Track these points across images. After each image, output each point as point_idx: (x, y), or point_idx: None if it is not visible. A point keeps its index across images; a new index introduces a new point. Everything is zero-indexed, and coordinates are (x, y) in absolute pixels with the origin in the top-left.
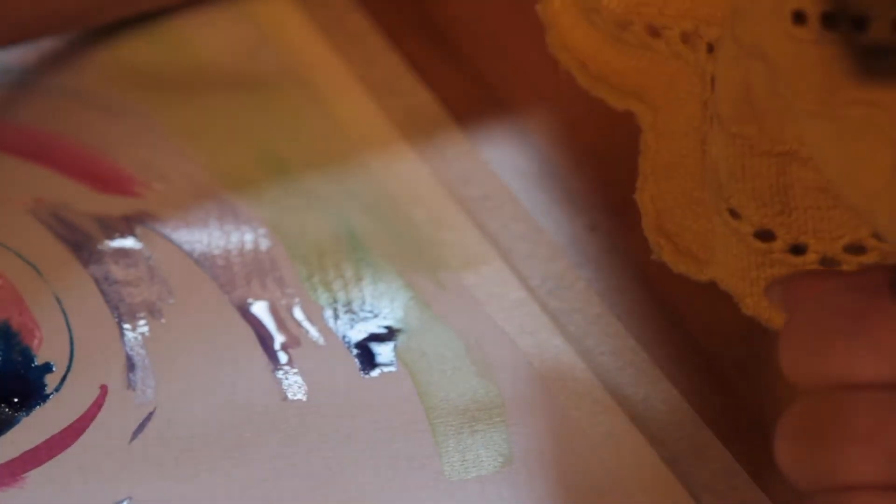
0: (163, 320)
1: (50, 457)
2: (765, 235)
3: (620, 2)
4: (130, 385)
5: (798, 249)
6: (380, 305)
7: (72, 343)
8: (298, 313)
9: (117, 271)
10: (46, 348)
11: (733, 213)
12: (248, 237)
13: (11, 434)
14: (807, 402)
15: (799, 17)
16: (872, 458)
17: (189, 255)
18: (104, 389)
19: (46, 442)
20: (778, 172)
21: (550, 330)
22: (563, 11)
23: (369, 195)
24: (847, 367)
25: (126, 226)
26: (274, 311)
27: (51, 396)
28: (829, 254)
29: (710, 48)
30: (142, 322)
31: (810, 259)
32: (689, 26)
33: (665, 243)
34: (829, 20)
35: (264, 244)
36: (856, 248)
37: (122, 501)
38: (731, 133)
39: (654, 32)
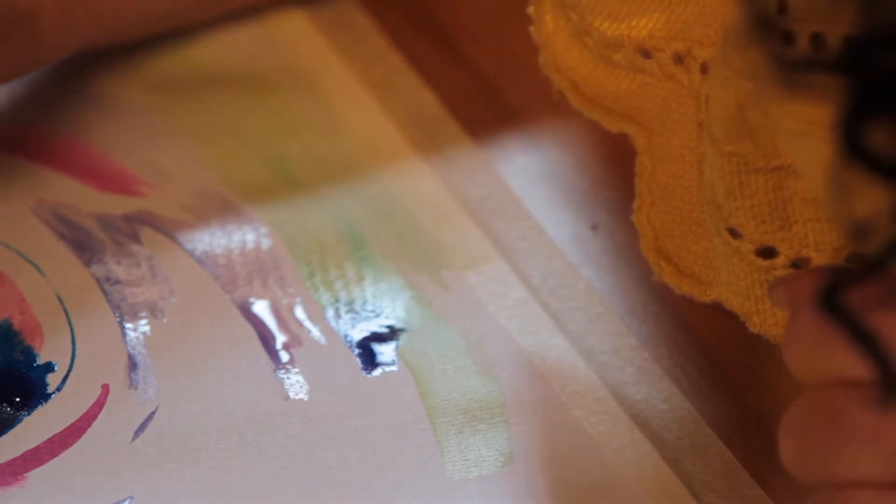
0: (164, 320)
1: (52, 456)
2: (766, 252)
3: (611, 24)
4: (132, 384)
5: (800, 264)
6: (381, 305)
7: (74, 342)
8: (300, 313)
9: (119, 271)
10: (48, 348)
11: (733, 233)
12: (250, 236)
13: (13, 433)
14: (810, 398)
15: (788, 38)
16: (873, 455)
17: (191, 254)
18: (106, 389)
19: (48, 441)
20: (775, 187)
21: (552, 329)
22: (555, 33)
23: (371, 195)
24: (850, 364)
25: (128, 225)
26: (275, 311)
27: (53, 396)
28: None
29: (704, 69)
30: (143, 321)
31: None
32: (682, 48)
33: (665, 265)
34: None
35: (266, 243)
36: (859, 259)
37: (124, 500)
38: (726, 152)
39: (646, 54)
